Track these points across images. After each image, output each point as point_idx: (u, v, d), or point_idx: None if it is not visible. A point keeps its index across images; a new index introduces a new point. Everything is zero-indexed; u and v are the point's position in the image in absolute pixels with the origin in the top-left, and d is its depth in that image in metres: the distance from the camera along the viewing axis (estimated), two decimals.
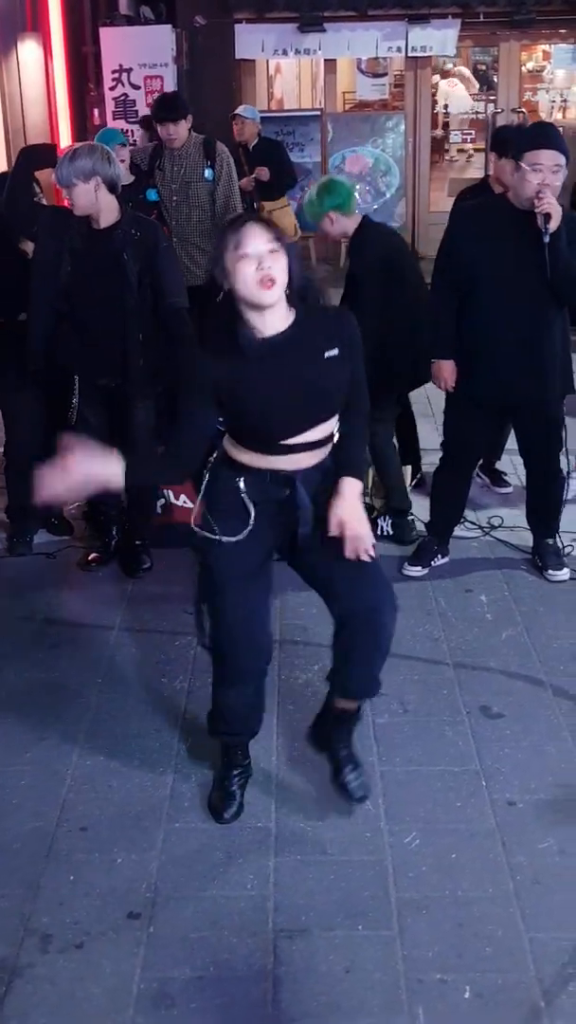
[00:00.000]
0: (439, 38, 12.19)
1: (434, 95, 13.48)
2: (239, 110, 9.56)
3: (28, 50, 10.39)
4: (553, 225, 4.48)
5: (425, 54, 12.42)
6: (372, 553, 3.29)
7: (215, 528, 3.34)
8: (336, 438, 3.32)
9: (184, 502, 5.64)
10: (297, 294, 3.17)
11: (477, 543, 5.58)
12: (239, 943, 3.13)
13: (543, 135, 4.67)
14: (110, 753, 3.98)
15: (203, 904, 3.27)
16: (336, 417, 3.29)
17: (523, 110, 13.13)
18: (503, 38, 12.88)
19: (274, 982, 2.99)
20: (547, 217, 4.48)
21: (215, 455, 3.34)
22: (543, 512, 5.24)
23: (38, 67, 10.60)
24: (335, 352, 3.19)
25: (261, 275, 3.04)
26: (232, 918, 3.21)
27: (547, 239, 4.50)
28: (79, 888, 3.35)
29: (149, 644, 4.72)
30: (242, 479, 3.28)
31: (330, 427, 3.27)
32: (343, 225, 5.29)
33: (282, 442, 3.20)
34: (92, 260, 4.94)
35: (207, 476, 3.38)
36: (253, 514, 3.29)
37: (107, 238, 4.90)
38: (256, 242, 3.05)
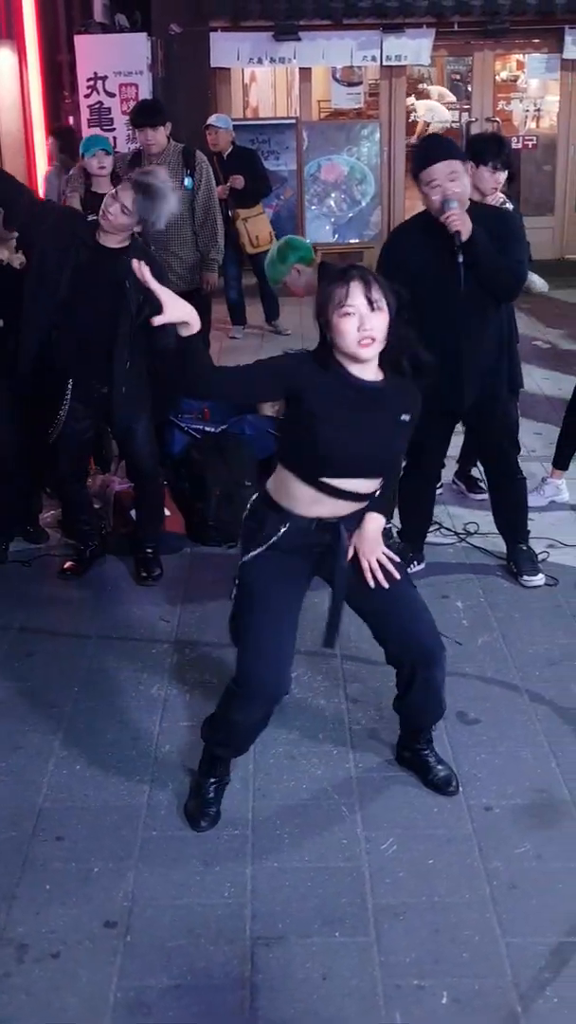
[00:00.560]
0: (413, 47, 12.24)
1: (409, 111, 13.51)
2: (211, 120, 9.59)
3: (3, 58, 10.37)
4: (465, 235, 4.50)
5: (400, 63, 12.46)
6: (394, 576, 3.46)
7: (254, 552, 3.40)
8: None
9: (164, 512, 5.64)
10: (390, 356, 3.24)
11: (452, 549, 5.60)
12: (216, 951, 3.12)
13: (430, 150, 4.68)
14: (86, 762, 3.97)
15: (180, 912, 3.26)
16: (379, 481, 3.38)
17: (497, 119, 13.21)
18: (477, 47, 12.94)
19: (251, 990, 2.99)
20: (458, 234, 4.50)
21: (255, 499, 3.45)
22: (509, 516, 5.27)
23: (13, 75, 10.58)
24: (408, 419, 3.31)
25: (363, 334, 3.12)
26: (209, 926, 3.21)
27: (460, 258, 4.53)
28: (55, 897, 3.33)
29: (126, 653, 4.71)
30: (285, 527, 3.33)
31: (376, 484, 3.36)
32: (308, 277, 5.33)
33: (332, 481, 3.26)
34: (93, 277, 4.90)
35: (250, 509, 3.47)
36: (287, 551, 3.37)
37: (113, 260, 4.85)
38: (359, 301, 3.11)
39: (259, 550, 3.38)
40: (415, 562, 5.31)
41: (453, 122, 14.61)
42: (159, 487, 5.48)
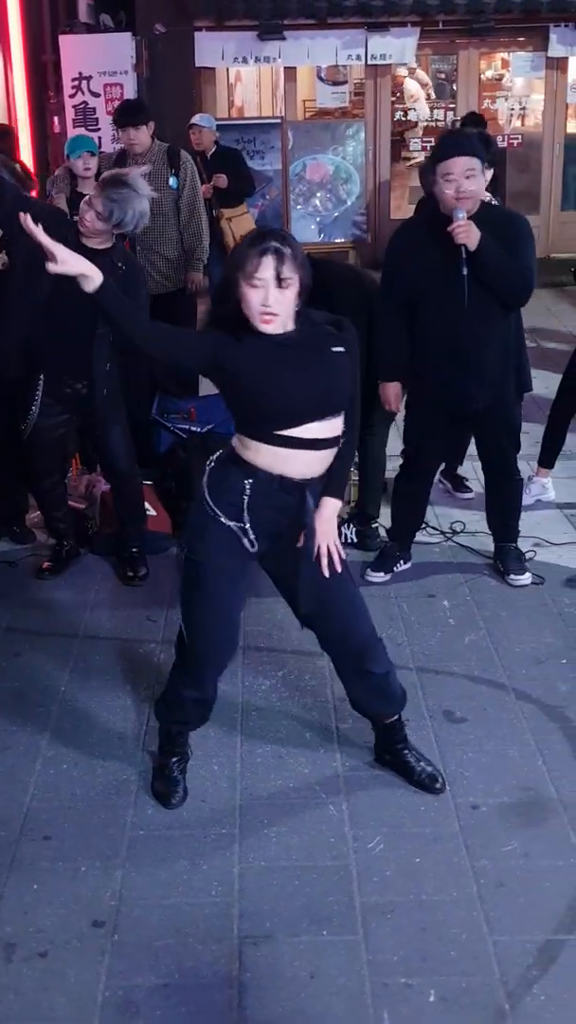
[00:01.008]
0: (398, 46, 12.26)
1: (395, 102, 13.51)
2: (195, 119, 9.61)
3: None
4: (472, 246, 4.51)
5: (384, 62, 12.48)
6: (338, 567, 3.42)
7: (216, 514, 3.37)
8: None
9: (148, 509, 5.63)
10: (303, 313, 3.24)
11: (439, 548, 5.60)
12: (204, 950, 3.12)
13: (452, 144, 4.69)
14: (74, 761, 3.97)
15: (167, 911, 3.26)
16: (341, 417, 3.33)
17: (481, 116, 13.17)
18: (462, 46, 12.95)
19: (239, 989, 2.99)
20: (464, 246, 4.51)
21: (221, 452, 3.44)
22: (503, 516, 5.27)
23: None
24: (341, 348, 3.29)
25: (264, 310, 3.13)
26: (197, 925, 3.21)
27: (464, 270, 4.53)
28: (43, 897, 3.33)
29: (112, 652, 4.71)
30: (250, 481, 3.31)
31: (336, 427, 3.32)
32: None
33: (289, 432, 3.23)
34: (66, 277, 4.90)
35: (209, 467, 3.45)
36: (248, 519, 3.35)
37: (93, 261, 4.86)
38: (267, 275, 3.10)
39: (218, 518, 3.36)
40: (401, 561, 5.32)
41: (437, 120, 14.57)
42: (137, 487, 5.45)
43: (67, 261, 3.15)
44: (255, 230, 3.27)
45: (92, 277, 3.17)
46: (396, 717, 3.79)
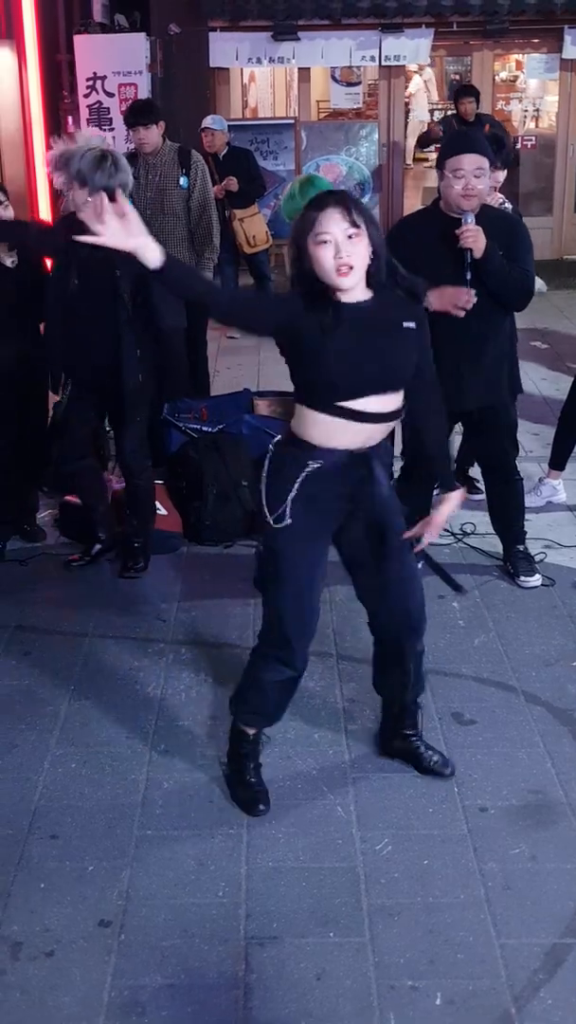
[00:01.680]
0: (412, 47, 12.24)
1: (408, 103, 13.52)
2: (206, 122, 9.68)
3: (2, 58, 10.36)
4: (478, 253, 4.51)
5: (399, 63, 12.46)
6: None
7: (285, 511, 3.36)
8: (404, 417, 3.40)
9: (158, 508, 5.63)
10: (377, 276, 3.21)
11: (449, 550, 5.59)
12: (210, 950, 3.12)
13: (463, 140, 4.72)
14: (82, 760, 3.97)
15: (174, 912, 3.26)
16: (401, 394, 3.32)
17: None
18: (476, 47, 12.93)
19: (245, 990, 2.98)
20: (470, 251, 4.50)
21: (278, 438, 3.44)
22: (505, 518, 5.26)
23: (12, 75, 10.55)
24: (412, 325, 3.28)
25: (339, 262, 3.09)
26: (203, 925, 3.20)
27: (468, 275, 4.52)
28: (50, 896, 3.33)
29: (122, 651, 4.71)
30: (314, 462, 3.30)
31: (397, 402, 3.31)
32: None
33: (349, 403, 3.22)
34: (88, 270, 4.95)
35: (268, 455, 3.43)
36: (316, 500, 3.36)
37: (104, 250, 4.89)
38: (335, 227, 3.08)
39: (288, 501, 3.33)
40: (421, 562, 5.30)
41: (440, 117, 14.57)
42: (146, 484, 5.43)
43: (113, 235, 3.02)
44: (312, 198, 3.23)
45: (148, 256, 3.06)
46: (415, 700, 3.82)
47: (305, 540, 3.40)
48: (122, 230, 3.03)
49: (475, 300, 4.52)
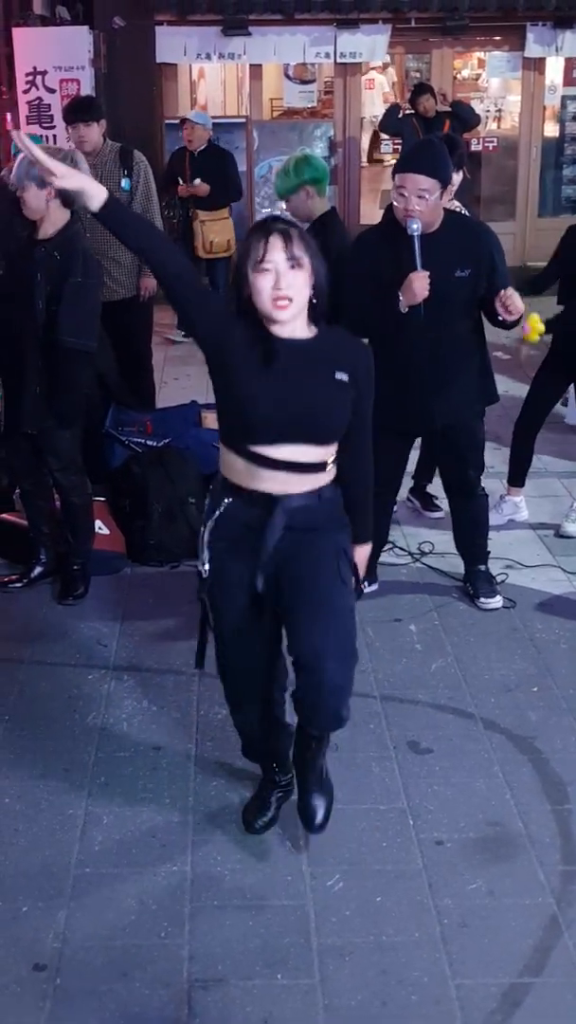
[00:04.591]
0: (369, 44, 12.30)
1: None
2: (189, 114, 9.96)
3: None
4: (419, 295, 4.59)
5: (355, 60, 12.51)
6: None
7: (205, 555, 3.41)
8: (331, 469, 3.33)
9: (100, 527, 5.62)
10: (319, 310, 3.21)
11: (406, 570, 5.62)
12: (151, 995, 3.11)
13: (412, 158, 4.76)
14: (16, 795, 3.95)
15: (113, 954, 3.25)
16: (327, 449, 3.28)
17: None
18: (436, 45, 13.02)
19: None
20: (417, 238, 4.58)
21: (215, 481, 3.43)
22: (469, 536, 5.30)
23: None
24: (344, 377, 3.23)
25: (276, 294, 3.09)
26: (144, 968, 3.20)
27: (419, 261, 4.58)
28: None
29: (60, 678, 4.70)
30: (229, 500, 3.31)
31: (318, 455, 3.26)
32: (315, 204, 5.31)
33: (261, 449, 3.20)
34: (19, 270, 5.04)
35: (208, 501, 3.45)
36: (219, 533, 3.36)
37: (33, 249, 4.96)
38: (276, 256, 3.08)
39: (205, 543, 3.39)
40: (367, 583, 5.32)
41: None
42: (80, 502, 5.39)
43: (66, 176, 3.13)
44: (257, 221, 3.25)
45: (95, 194, 3.13)
46: (318, 736, 3.50)
47: (230, 586, 3.38)
48: (69, 170, 3.16)
49: (427, 277, 4.57)
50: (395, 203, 4.62)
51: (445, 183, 4.63)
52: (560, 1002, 3.07)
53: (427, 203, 4.56)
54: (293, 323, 3.18)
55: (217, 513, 3.35)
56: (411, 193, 4.55)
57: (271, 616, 3.43)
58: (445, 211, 4.78)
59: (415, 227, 4.55)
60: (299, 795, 3.61)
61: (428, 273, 4.57)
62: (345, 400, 3.25)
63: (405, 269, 4.60)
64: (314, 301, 3.18)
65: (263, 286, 3.09)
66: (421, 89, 11.37)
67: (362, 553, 3.59)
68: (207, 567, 3.41)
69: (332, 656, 3.24)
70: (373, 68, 16.36)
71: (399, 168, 4.68)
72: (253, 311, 3.17)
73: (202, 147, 9.66)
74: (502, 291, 4.61)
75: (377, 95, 17.61)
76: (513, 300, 4.59)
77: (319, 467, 3.28)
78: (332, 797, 3.62)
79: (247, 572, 3.34)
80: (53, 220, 4.94)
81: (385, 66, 17.22)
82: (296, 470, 3.25)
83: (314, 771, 3.59)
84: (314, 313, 3.21)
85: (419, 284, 4.56)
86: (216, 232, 9.77)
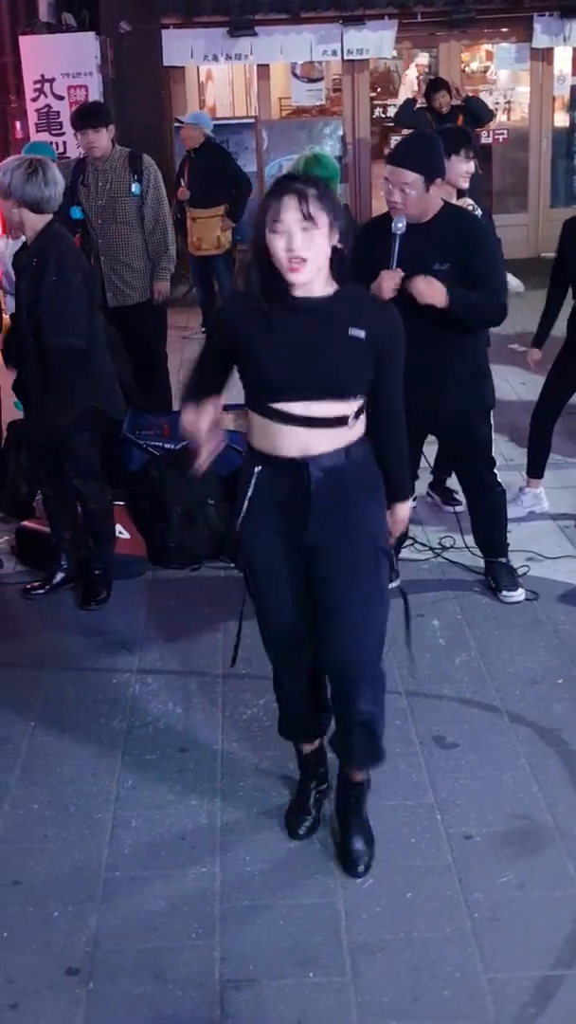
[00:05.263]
0: (375, 40, 12.31)
1: (374, 98, 13.57)
2: (184, 116, 10.04)
3: None
4: (440, 304, 4.57)
5: (362, 57, 12.52)
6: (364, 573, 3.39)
7: (241, 526, 3.42)
8: (357, 426, 3.33)
9: (120, 532, 5.64)
10: (339, 268, 3.21)
11: (428, 565, 5.61)
12: (184, 996, 3.12)
13: (399, 150, 4.76)
14: (44, 801, 3.96)
15: (145, 956, 3.26)
16: (347, 404, 3.26)
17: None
18: (443, 38, 13.02)
19: None
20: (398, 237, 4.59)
21: (246, 452, 3.45)
22: (487, 531, 5.30)
23: None
24: (361, 334, 3.22)
25: (290, 255, 3.09)
26: (176, 970, 3.20)
27: (394, 260, 4.59)
28: (13, 944, 3.32)
29: (85, 683, 4.71)
30: (259, 468, 3.33)
31: (337, 409, 3.25)
32: None
33: (281, 407, 3.22)
34: (20, 281, 5.11)
35: (241, 474, 3.46)
36: (254, 508, 3.37)
37: (28, 262, 5.01)
38: (289, 216, 3.07)
39: (242, 514, 3.39)
40: (389, 579, 5.32)
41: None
42: (100, 508, 5.39)
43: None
44: (275, 180, 3.24)
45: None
46: (359, 779, 3.64)
47: (268, 556, 3.40)
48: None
49: (400, 277, 4.57)
50: (383, 193, 4.65)
51: (431, 177, 4.58)
52: None
53: (409, 197, 4.56)
54: (311, 284, 3.18)
55: (251, 487, 3.35)
56: (395, 186, 4.57)
57: (310, 586, 3.45)
58: (446, 204, 4.78)
59: (400, 226, 4.57)
60: (341, 839, 3.63)
61: (401, 273, 4.57)
62: (362, 357, 3.25)
63: (383, 264, 4.60)
64: (334, 258, 3.17)
65: (277, 246, 3.10)
66: (437, 85, 11.34)
67: (402, 511, 3.57)
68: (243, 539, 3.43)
69: (362, 675, 3.40)
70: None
71: (387, 159, 4.73)
72: (271, 267, 3.17)
73: (196, 146, 9.73)
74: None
75: (407, 91, 17.55)
76: (415, 285, 4.56)
77: (340, 421, 3.27)
78: (374, 845, 3.61)
79: (285, 542, 3.36)
80: (31, 227, 4.96)
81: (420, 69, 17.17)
82: (316, 425, 3.25)
83: (357, 817, 3.64)
84: (336, 270, 3.21)
85: (387, 283, 4.55)
86: (204, 230, 9.82)
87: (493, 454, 5.21)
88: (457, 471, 5.27)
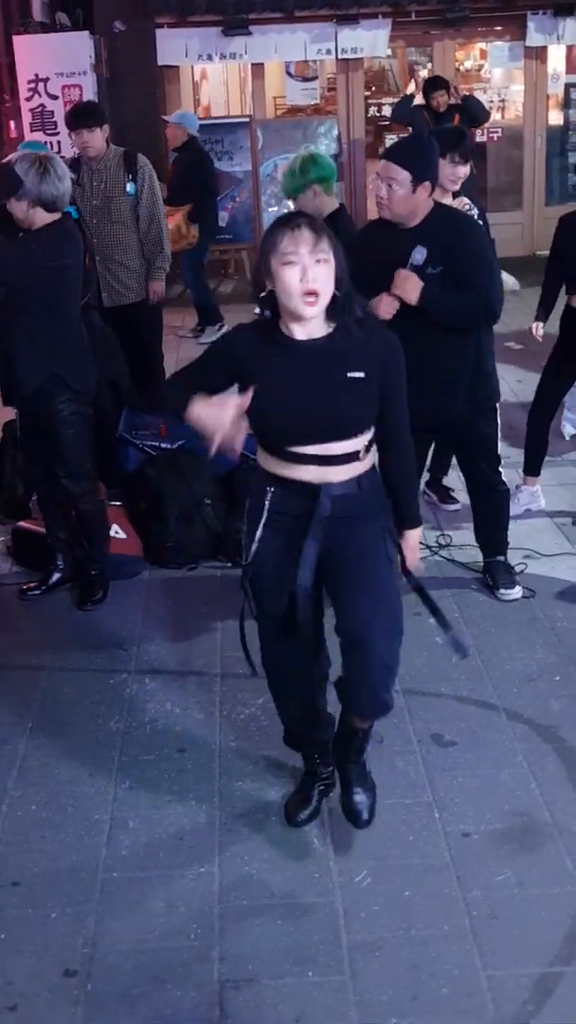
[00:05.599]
0: (369, 39, 12.31)
1: (368, 97, 13.57)
2: (170, 115, 10.17)
3: None
4: (412, 301, 4.59)
5: (356, 56, 12.52)
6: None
7: (249, 543, 3.41)
8: (368, 457, 3.35)
9: (116, 532, 5.63)
10: (340, 308, 3.19)
11: (425, 563, 5.58)
12: (183, 996, 3.11)
13: (393, 147, 4.82)
14: (42, 802, 3.96)
15: (144, 957, 3.25)
16: (357, 440, 3.29)
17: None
18: (437, 37, 13.02)
19: None
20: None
21: (248, 466, 3.50)
22: (489, 529, 5.29)
23: None
24: (360, 375, 3.22)
25: (305, 288, 3.07)
26: (175, 970, 3.20)
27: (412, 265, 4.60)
28: (11, 946, 3.32)
29: (82, 684, 4.70)
30: (272, 489, 3.33)
31: (351, 447, 3.28)
32: (323, 203, 5.32)
33: (295, 449, 3.24)
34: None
35: (249, 494, 3.47)
36: (269, 525, 3.35)
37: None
38: (303, 248, 3.06)
39: (258, 534, 3.37)
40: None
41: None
42: (92, 508, 5.36)
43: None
44: (279, 217, 3.25)
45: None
46: (366, 726, 3.61)
47: (275, 577, 3.38)
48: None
49: (397, 306, 4.59)
50: (370, 187, 4.67)
51: (420, 179, 4.55)
52: None
53: (394, 193, 4.55)
54: (313, 322, 3.19)
55: (267, 504, 3.34)
56: (382, 180, 4.57)
57: (314, 607, 3.44)
58: (438, 205, 4.77)
59: (418, 257, 4.59)
60: (342, 792, 3.65)
61: (397, 303, 4.61)
62: (364, 397, 3.26)
63: (382, 273, 4.60)
64: (336, 298, 3.16)
65: (290, 279, 3.08)
66: (436, 84, 11.31)
67: (412, 538, 3.58)
68: (251, 556, 3.41)
69: (379, 633, 3.36)
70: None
71: (381, 155, 4.74)
72: (274, 320, 3.19)
73: (179, 145, 9.79)
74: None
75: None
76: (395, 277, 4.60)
77: (352, 457, 3.30)
78: (375, 793, 3.66)
79: (292, 563, 3.33)
80: (42, 224, 4.93)
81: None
82: (329, 463, 3.28)
83: (357, 765, 3.65)
84: (333, 309, 3.19)
85: (385, 309, 4.57)
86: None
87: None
88: (463, 469, 5.25)
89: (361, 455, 3.33)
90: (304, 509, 3.32)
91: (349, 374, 3.22)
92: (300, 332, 3.20)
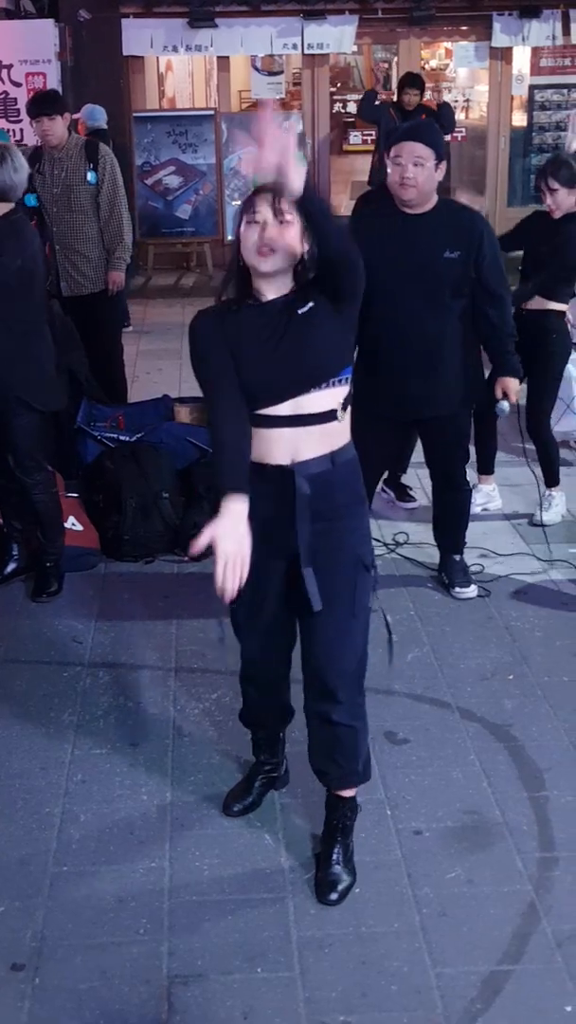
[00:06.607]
0: (336, 35, 12.32)
1: (334, 93, 13.58)
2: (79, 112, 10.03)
3: None
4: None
5: (322, 51, 12.53)
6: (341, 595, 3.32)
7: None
8: (341, 434, 3.27)
9: (73, 524, 5.60)
10: (304, 274, 3.16)
11: (381, 560, 5.59)
12: (131, 992, 3.10)
13: (408, 130, 4.81)
14: None
15: (92, 952, 3.23)
16: (332, 393, 3.20)
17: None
18: (403, 35, 13.05)
19: None
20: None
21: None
22: (449, 527, 5.30)
23: None
24: (308, 305, 3.15)
25: (261, 243, 3.09)
26: (123, 966, 3.18)
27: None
28: None
29: (35, 676, 4.67)
30: (254, 478, 3.22)
31: (327, 401, 3.20)
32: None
33: (269, 411, 3.18)
34: None
35: None
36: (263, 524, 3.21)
37: None
38: (264, 208, 3.10)
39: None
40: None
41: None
42: (44, 498, 5.30)
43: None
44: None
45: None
46: (347, 795, 3.54)
47: (254, 567, 3.18)
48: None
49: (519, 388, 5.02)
50: (391, 175, 4.64)
51: (440, 158, 4.65)
52: (539, 988, 3.07)
53: (423, 170, 4.58)
54: (276, 281, 3.16)
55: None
56: (407, 160, 4.57)
57: (291, 607, 3.40)
58: (440, 197, 4.79)
59: (505, 409, 5.06)
60: (320, 865, 3.52)
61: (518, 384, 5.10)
62: (320, 324, 3.16)
63: (391, 247, 4.62)
64: (299, 265, 3.14)
65: (248, 236, 3.11)
66: (412, 82, 11.26)
67: (511, 384, 4.61)
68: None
69: (340, 698, 3.38)
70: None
71: (395, 140, 4.71)
72: (245, 275, 3.19)
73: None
74: (501, 379, 5.03)
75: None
76: (508, 386, 5.03)
77: (328, 416, 3.22)
78: (355, 879, 3.48)
79: (270, 550, 3.25)
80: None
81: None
82: (304, 423, 3.20)
83: (341, 844, 3.53)
84: (299, 276, 3.16)
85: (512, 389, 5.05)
86: None
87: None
88: (433, 468, 5.23)
89: (338, 414, 3.24)
90: (278, 498, 3.21)
91: (299, 310, 3.16)
92: (270, 291, 3.18)
